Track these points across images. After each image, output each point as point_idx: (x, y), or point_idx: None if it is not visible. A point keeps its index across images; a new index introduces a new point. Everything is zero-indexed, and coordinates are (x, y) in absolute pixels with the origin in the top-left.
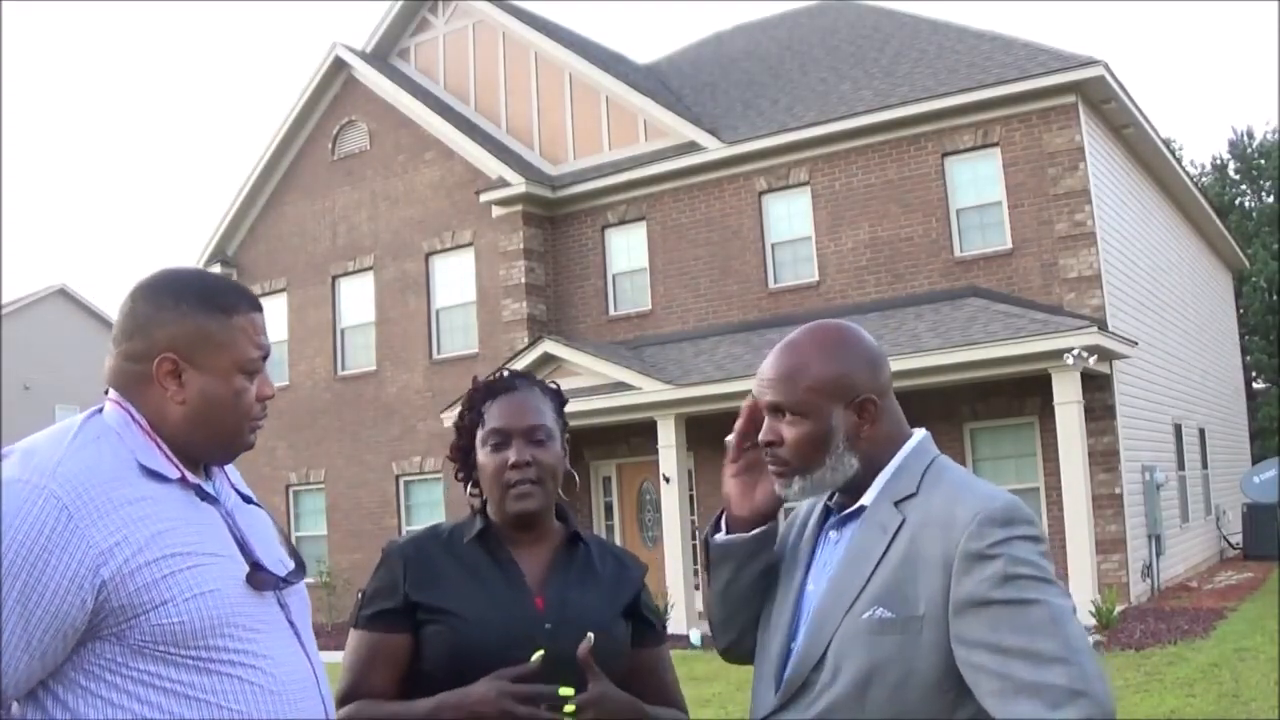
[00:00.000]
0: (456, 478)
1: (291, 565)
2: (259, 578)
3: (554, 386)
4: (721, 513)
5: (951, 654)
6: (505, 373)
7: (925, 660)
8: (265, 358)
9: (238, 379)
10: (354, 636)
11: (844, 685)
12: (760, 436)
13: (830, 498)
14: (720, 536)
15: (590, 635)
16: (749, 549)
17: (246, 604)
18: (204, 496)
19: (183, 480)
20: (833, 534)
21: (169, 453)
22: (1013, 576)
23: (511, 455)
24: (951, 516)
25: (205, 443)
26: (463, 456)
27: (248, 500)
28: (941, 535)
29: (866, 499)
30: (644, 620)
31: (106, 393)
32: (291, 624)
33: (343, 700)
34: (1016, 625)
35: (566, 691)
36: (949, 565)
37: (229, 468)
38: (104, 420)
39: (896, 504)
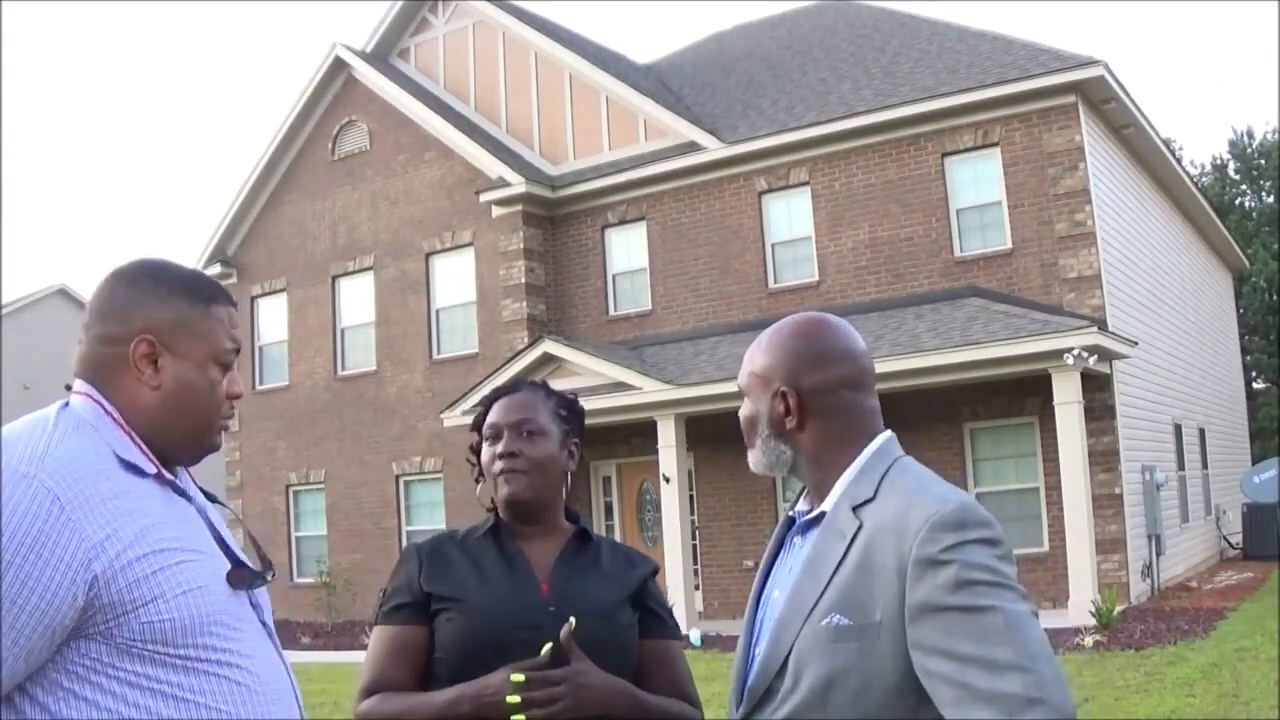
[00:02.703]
0: (476, 479)
1: (255, 565)
2: (239, 575)
3: (570, 396)
4: None
5: (910, 659)
6: (523, 380)
7: (884, 666)
8: (237, 352)
9: (212, 370)
10: (376, 632)
11: (805, 692)
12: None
13: (792, 505)
14: None
15: (571, 620)
16: None
17: (228, 602)
18: (179, 493)
19: (158, 475)
20: (797, 540)
21: (143, 447)
22: (966, 582)
23: (500, 446)
24: (904, 521)
25: (176, 434)
26: (479, 456)
27: (212, 499)
28: (895, 541)
29: (827, 504)
30: (651, 612)
31: (68, 388)
32: (264, 624)
33: (366, 693)
34: (971, 632)
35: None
36: (903, 571)
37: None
38: (76, 413)
39: (855, 509)
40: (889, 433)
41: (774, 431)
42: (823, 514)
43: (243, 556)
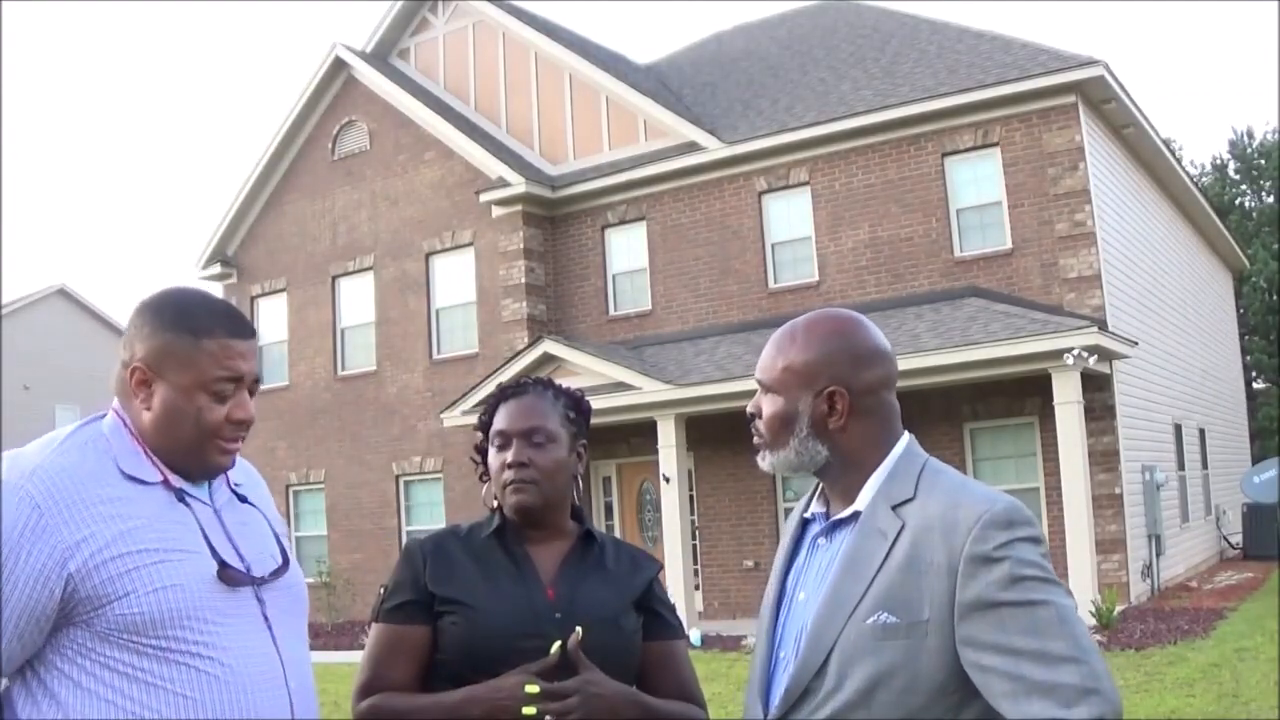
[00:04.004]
0: (480, 478)
1: (279, 563)
2: (228, 574)
3: (577, 393)
4: None
5: (957, 657)
6: (529, 379)
7: (931, 664)
8: (235, 381)
9: (199, 397)
10: (375, 630)
11: (850, 692)
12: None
13: (805, 507)
14: None
15: (578, 630)
16: None
17: (212, 598)
18: (183, 498)
19: (164, 483)
20: (821, 541)
21: (154, 458)
22: (1019, 578)
23: (509, 455)
24: (953, 520)
25: (171, 452)
26: (483, 456)
27: (243, 500)
28: (944, 539)
29: (860, 504)
30: (655, 614)
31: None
32: (266, 619)
33: (364, 692)
34: (1025, 626)
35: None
36: (954, 569)
37: (240, 465)
38: (99, 426)
39: (894, 509)
40: (909, 434)
41: (813, 431)
42: (855, 514)
43: (237, 558)
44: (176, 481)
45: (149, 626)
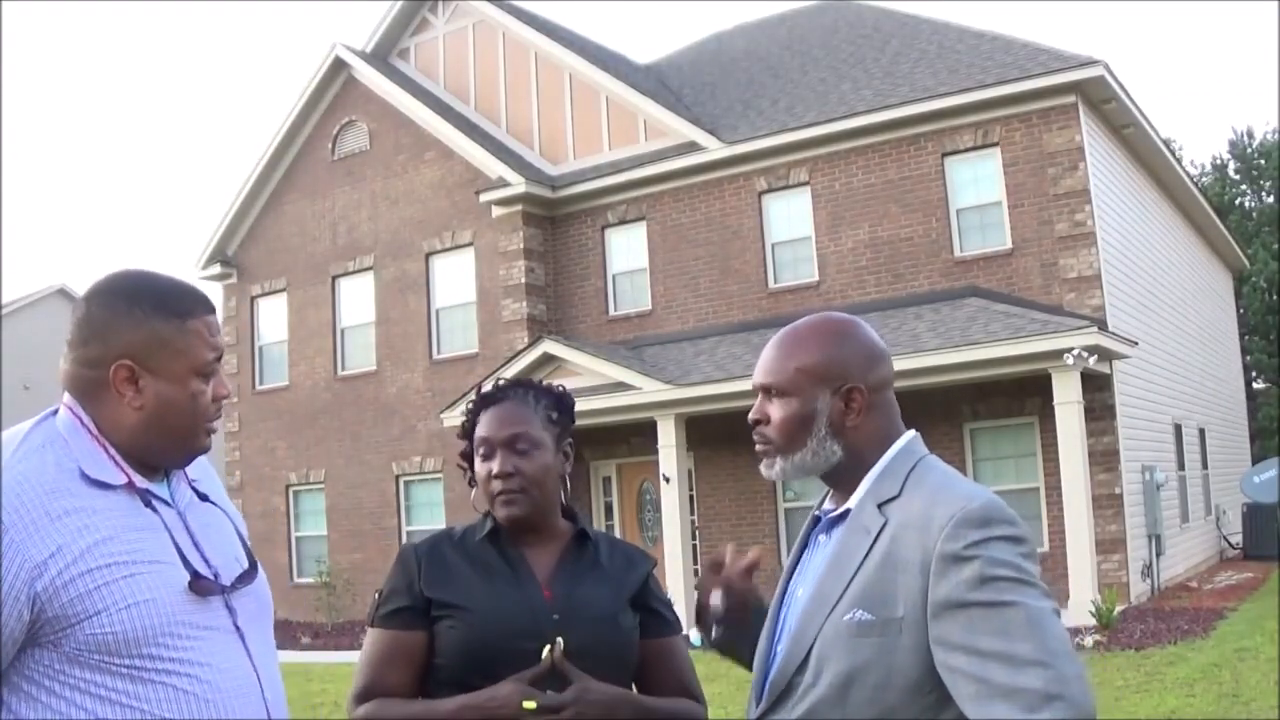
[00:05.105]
0: (470, 483)
1: (245, 566)
2: (200, 585)
3: (558, 390)
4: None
5: (932, 656)
6: (500, 381)
7: (905, 662)
8: (219, 358)
9: (194, 382)
10: (371, 635)
11: (825, 687)
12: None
13: (819, 504)
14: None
15: (559, 641)
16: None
17: (185, 611)
18: (150, 502)
19: (129, 486)
20: (822, 538)
21: (118, 458)
22: (990, 578)
23: (495, 465)
24: (929, 518)
25: (161, 447)
26: (469, 461)
27: (204, 498)
28: (919, 537)
29: (852, 502)
30: (653, 611)
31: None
32: (238, 629)
33: (360, 697)
34: (993, 628)
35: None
36: (927, 567)
37: (199, 461)
38: (54, 426)
39: (880, 506)
40: (914, 432)
41: (831, 430)
42: (848, 511)
43: (204, 564)
44: (141, 483)
45: (122, 646)
